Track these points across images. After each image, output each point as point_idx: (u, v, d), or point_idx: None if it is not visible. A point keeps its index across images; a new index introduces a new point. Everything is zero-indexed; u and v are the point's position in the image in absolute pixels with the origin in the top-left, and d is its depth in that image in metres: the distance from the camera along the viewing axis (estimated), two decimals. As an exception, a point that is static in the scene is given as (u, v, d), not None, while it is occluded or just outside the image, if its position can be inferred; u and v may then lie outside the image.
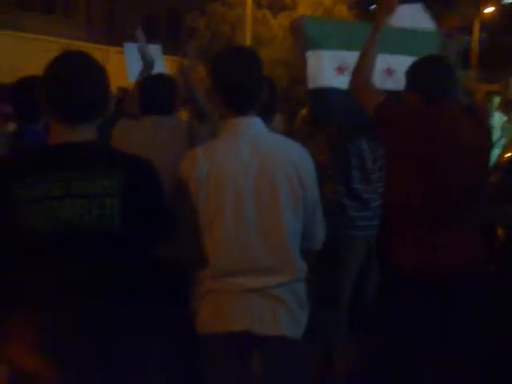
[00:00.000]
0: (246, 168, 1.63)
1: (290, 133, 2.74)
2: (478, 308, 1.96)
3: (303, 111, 3.12)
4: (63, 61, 1.44)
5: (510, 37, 16.75)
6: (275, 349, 1.66)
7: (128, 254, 1.41)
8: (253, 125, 1.70)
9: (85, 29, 16.32)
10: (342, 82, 2.37)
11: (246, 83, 1.67)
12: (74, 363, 1.36)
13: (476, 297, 1.96)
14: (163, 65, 3.94)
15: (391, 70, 2.52)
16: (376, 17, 2.17)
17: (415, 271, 1.94)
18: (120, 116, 2.62)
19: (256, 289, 1.63)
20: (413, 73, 2.08)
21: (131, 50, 3.87)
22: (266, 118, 1.85)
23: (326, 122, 2.72)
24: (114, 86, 2.05)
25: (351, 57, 2.27)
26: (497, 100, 4.02)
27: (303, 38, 2.55)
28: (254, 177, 1.62)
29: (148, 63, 2.88)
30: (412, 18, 2.77)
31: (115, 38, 8.44)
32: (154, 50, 3.56)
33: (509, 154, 2.78)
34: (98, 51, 8.32)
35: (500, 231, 2.54)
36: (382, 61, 2.34)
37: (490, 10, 16.93)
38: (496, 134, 3.45)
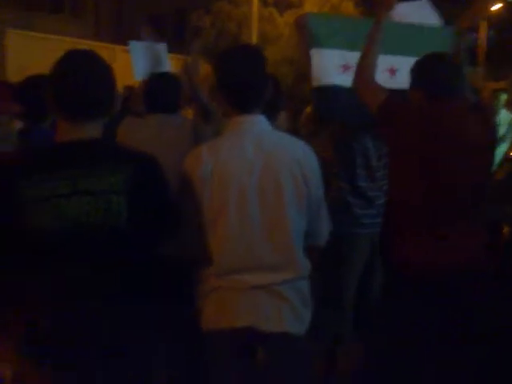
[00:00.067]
0: (251, 166, 1.63)
1: (294, 131, 2.75)
2: (481, 307, 1.96)
3: (308, 109, 3.13)
4: (70, 60, 1.45)
5: (518, 34, 16.58)
6: (279, 345, 1.66)
7: (133, 252, 1.42)
8: (257, 123, 1.70)
9: (93, 28, 16.41)
10: (347, 79, 2.37)
11: (251, 81, 1.68)
12: (73, 363, 1.36)
13: (478, 296, 1.95)
14: (168, 63, 3.95)
15: (394, 70, 2.52)
16: (376, 12, 2.16)
17: (417, 270, 1.93)
18: (126, 114, 2.64)
19: (261, 286, 1.64)
20: (417, 70, 2.08)
21: (137, 49, 3.89)
22: (271, 115, 1.86)
23: (331, 119, 2.73)
24: (120, 84, 2.06)
25: (357, 56, 2.27)
26: (503, 97, 3.99)
27: (307, 36, 2.55)
28: (258, 175, 1.63)
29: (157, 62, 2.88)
30: (417, 14, 2.76)
31: (123, 37, 8.47)
32: (160, 48, 3.58)
33: None
34: (104, 50, 8.36)
35: (506, 229, 2.53)
36: (385, 60, 2.34)
37: (497, 7, 16.77)
38: (502, 130, 3.44)
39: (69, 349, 1.36)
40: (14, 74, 6.75)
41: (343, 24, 2.70)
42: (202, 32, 12.09)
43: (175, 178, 1.66)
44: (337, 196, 2.64)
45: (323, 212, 1.78)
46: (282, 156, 1.66)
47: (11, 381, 1.38)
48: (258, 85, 1.70)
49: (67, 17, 15.71)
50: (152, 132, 2.35)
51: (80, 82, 1.41)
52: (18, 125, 2.92)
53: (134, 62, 4.05)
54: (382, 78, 2.24)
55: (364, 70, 2.12)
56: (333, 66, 2.54)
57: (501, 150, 2.87)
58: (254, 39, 11.62)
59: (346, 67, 2.51)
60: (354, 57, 2.29)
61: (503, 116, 3.84)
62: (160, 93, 2.46)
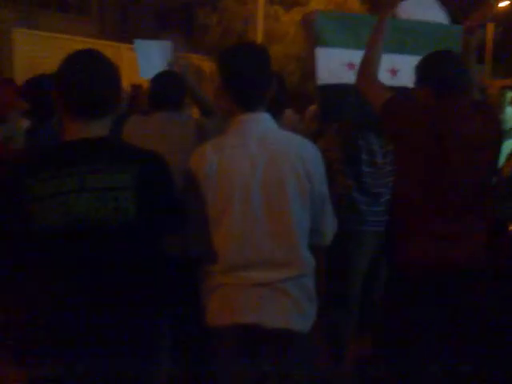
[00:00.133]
0: (254, 163, 1.64)
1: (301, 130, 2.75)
2: (481, 307, 1.95)
3: (312, 107, 3.13)
4: (75, 59, 1.46)
5: (525, 31, 16.46)
6: (283, 342, 1.67)
7: (141, 248, 1.43)
8: (261, 121, 1.71)
9: (98, 27, 16.45)
10: (351, 78, 2.37)
11: (255, 79, 1.68)
12: (73, 363, 1.36)
13: (478, 296, 1.95)
14: (174, 61, 3.95)
15: (395, 70, 2.52)
16: (380, 9, 2.16)
17: (417, 270, 1.93)
18: (132, 112, 2.65)
19: (265, 283, 1.65)
20: (423, 68, 2.07)
21: (142, 47, 3.90)
22: (275, 113, 1.86)
23: (335, 118, 2.73)
24: (126, 82, 2.07)
25: (362, 54, 2.27)
26: (509, 95, 3.99)
27: (314, 34, 2.55)
28: (261, 172, 1.64)
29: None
30: (425, 12, 2.75)
31: (128, 35, 8.49)
32: (165, 46, 3.59)
33: None
34: (110, 48, 8.38)
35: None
36: (386, 61, 2.32)
37: (504, 4, 16.64)
38: (508, 126, 3.44)
39: (69, 349, 1.37)
40: (21, 73, 6.79)
41: (349, 22, 2.68)
42: (208, 30, 12.11)
43: (179, 175, 1.68)
44: (343, 193, 2.64)
45: (327, 208, 1.77)
46: (284, 152, 1.66)
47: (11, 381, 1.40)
48: (263, 83, 1.70)
49: (73, 15, 15.78)
50: (156, 130, 2.36)
51: (85, 82, 1.42)
52: (26, 123, 2.95)
53: (139, 61, 4.06)
54: (383, 78, 2.24)
55: (367, 68, 2.11)
56: (338, 65, 2.54)
57: (506, 146, 2.86)
58: (260, 37, 11.59)
59: (351, 65, 2.51)
60: (359, 55, 2.29)
61: (509, 113, 3.84)
62: (164, 91, 2.47)
